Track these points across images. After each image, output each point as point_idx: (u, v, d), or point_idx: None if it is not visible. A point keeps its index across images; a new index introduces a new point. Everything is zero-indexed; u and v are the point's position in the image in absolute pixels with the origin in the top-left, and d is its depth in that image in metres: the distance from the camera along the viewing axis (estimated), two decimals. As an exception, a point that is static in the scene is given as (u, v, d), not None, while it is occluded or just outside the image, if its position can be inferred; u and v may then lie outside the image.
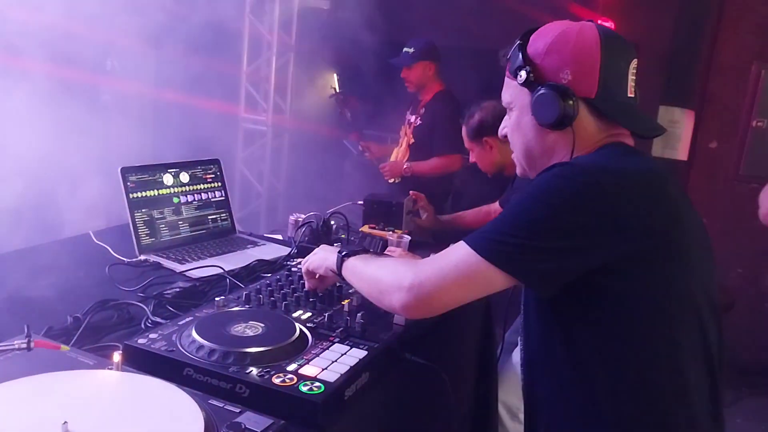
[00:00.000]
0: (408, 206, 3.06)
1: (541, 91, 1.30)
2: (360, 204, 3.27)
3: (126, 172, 2.08)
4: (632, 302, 1.23)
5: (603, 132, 1.35)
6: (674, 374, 1.25)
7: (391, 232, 2.90)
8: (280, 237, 2.70)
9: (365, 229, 3.04)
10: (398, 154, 4.08)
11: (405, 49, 3.89)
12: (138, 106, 5.84)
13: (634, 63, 1.34)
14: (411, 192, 3.04)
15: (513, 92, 1.40)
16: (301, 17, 5.40)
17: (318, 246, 2.13)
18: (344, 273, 1.50)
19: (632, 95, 1.35)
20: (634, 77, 1.35)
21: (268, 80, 5.47)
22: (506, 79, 1.41)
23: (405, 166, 3.88)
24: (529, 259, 1.20)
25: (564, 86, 1.29)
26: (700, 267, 1.29)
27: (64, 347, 1.15)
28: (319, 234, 2.20)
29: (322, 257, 1.61)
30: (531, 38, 1.37)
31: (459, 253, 1.25)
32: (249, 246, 2.22)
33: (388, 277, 1.35)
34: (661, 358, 1.25)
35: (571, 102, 1.28)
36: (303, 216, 2.58)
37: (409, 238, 2.71)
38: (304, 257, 2.00)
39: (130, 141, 5.84)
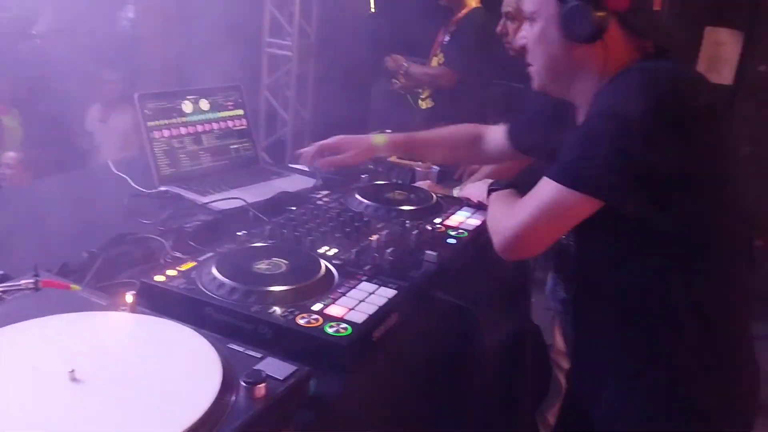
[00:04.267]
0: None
1: (573, 3, 1.25)
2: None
3: (143, 99, 1.97)
4: (696, 218, 1.23)
5: (631, 46, 1.30)
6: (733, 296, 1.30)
7: (419, 162, 2.80)
8: (305, 167, 2.61)
9: (393, 158, 2.93)
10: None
11: None
12: (161, 30, 5.71)
13: None
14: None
15: (539, 1, 1.33)
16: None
17: (344, 176, 2.06)
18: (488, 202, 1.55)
19: (659, 8, 1.34)
20: None
21: (293, 3, 5.27)
22: None
23: (404, 65, 3.85)
24: (610, 178, 1.18)
25: None
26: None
27: (75, 287, 1.08)
28: (345, 164, 2.09)
29: (481, 188, 1.70)
30: None
31: (543, 189, 1.25)
32: (273, 177, 2.13)
33: (493, 220, 1.41)
34: (721, 276, 1.28)
35: (603, 14, 1.24)
36: (328, 144, 2.48)
37: (438, 168, 2.60)
38: (330, 189, 1.92)
39: (154, 67, 5.75)
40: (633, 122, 1.16)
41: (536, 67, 1.40)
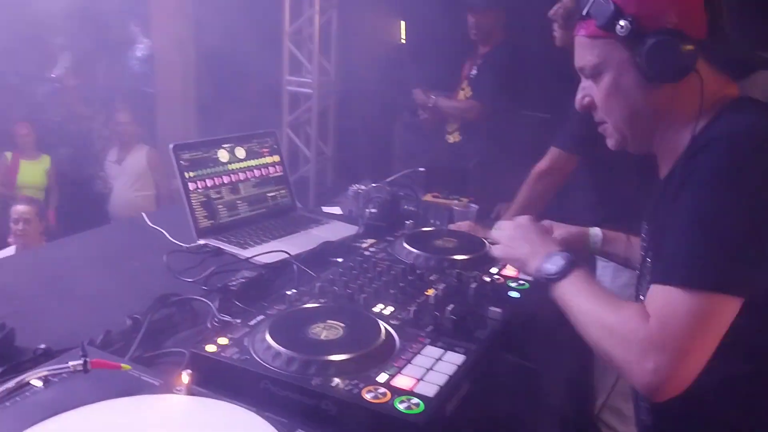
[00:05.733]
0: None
1: (653, 41, 1.12)
2: (421, 171, 3.07)
3: (178, 149, 1.91)
4: None
5: (717, 80, 1.18)
6: None
7: (456, 201, 2.72)
8: (339, 210, 2.53)
9: (428, 198, 2.85)
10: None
11: None
12: (180, 73, 5.72)
13: None
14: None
15: (602, 51, 1.20)
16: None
17: (387, 223, 1.97)
18: (555, 297, 1.24)
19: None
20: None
21: (312, 40, 5.26)
22: (582, 39, 1.23)
23: (432, 98, 3.77)
24: (756, 269, 1.03)
25: (675, 30, 1.13)
26: None
27: (125, 366, 0.99)
28: (387, 210, 2.01)
29: (527, 254, 1.32)
30: None
31: (675, 304, 1.02)
32: (312, 225, 2.05)
33: (617, 345, 1.07)
34: None
35: (690, 47, 1.12)
36: (363, 187, 2.40)
37: (476, 207, 2.51)
38: (372, 237, 1.84)
39: (174, 112, 5.75)
40: (760, 192, 1.02)
41: (613, 122, 1.25)
